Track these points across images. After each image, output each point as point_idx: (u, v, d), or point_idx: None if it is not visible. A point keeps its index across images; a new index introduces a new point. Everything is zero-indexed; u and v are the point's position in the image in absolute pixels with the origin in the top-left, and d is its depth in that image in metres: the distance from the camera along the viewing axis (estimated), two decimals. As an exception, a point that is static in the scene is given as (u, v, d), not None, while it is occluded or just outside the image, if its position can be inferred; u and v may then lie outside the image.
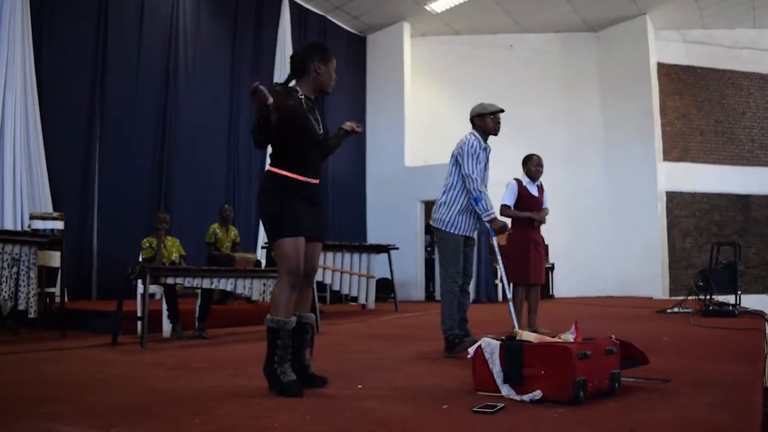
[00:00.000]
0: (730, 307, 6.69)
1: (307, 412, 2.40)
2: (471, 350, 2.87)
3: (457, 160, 4.25)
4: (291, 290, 2.87)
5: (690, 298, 7.43)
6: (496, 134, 4.34)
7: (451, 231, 4.24)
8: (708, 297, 7.08)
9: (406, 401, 2.61)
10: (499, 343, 2.79)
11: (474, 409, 2.38)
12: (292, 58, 3.14)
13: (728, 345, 4.45)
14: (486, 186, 4.38)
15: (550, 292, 11.99)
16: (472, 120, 4.35)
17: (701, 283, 7.18)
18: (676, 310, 7.34)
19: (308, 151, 3.00)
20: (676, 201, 12.28)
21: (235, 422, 2.25)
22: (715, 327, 5.50)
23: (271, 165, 2.99)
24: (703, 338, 4.83)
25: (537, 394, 2.55)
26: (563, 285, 12.19)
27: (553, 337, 2.93)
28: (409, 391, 2.83)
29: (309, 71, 3.06)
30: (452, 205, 4.24)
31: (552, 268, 12.01)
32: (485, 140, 4.32)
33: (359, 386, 2.96)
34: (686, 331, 5.36)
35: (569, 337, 2.85)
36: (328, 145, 3.19)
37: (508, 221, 5.67)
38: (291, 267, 2.86)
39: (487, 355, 2.80)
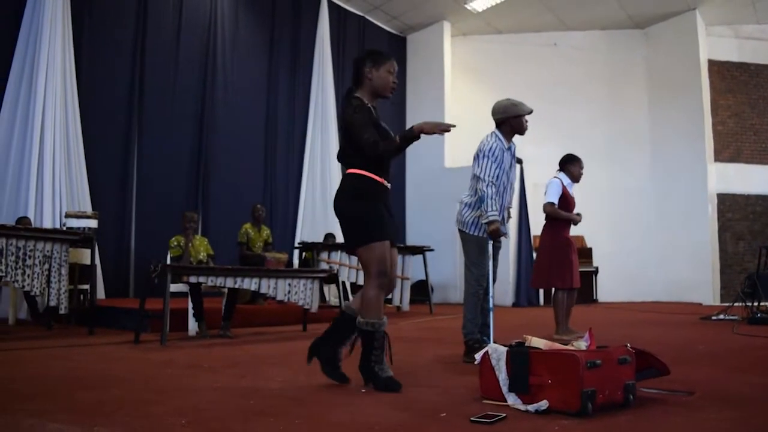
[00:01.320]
0: (779, 315, 6.35)
1: (298, 417, 2.32)
2: (478, 356, 2.75)
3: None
4: (382, 292, 2.97)
5: (737, 304, 7.09)
6: (523, 134, 4.20)
7: (474, 233, 4.11)
8: (756, 303, 6.73)
9: (406, 408, 2.50)
10: (506, 349, 2.65)
11: (472, 418, 2.25)
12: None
13: (769, 355, 4.18)
14: (511, 185, 4.22)
15: (594, 297, 11.65)
16: (504, 120, 4.14)
17: (748, 289, 6.83)
18: (721, 317, 7.00)
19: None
20: (728, 203, 11.77)
21: (220, 425, 2.18)
22: (760, 336, 5.20)
23: (353, 167, 3.00)
24: (743, 347, 4.56)
25: (543, 404, 2.41)
26: (608, 289, 11.81)
27: (566, 344, 2.77)
28: (412, 397, 2.72)
29: (363, 78, 3.09)
30: (475, 206, 4.11)
31: (596, 271, 11.67)
32: (510, 139, 4.18)
33: (362, 390, 2.86)
34: (727, 340, 5.08)
35: (582, 344, 2.70)
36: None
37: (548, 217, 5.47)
38: (382, 269, 2.93)
39: (493, 362, 2.66)
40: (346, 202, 3.00)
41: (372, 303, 2.94)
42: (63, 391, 2.85)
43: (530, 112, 4.13)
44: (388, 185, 3.07)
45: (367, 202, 2.96)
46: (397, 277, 3.21)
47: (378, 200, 2.98)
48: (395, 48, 12.85)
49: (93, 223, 6.45)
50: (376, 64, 3.07)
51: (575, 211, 5.48)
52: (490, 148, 4.07)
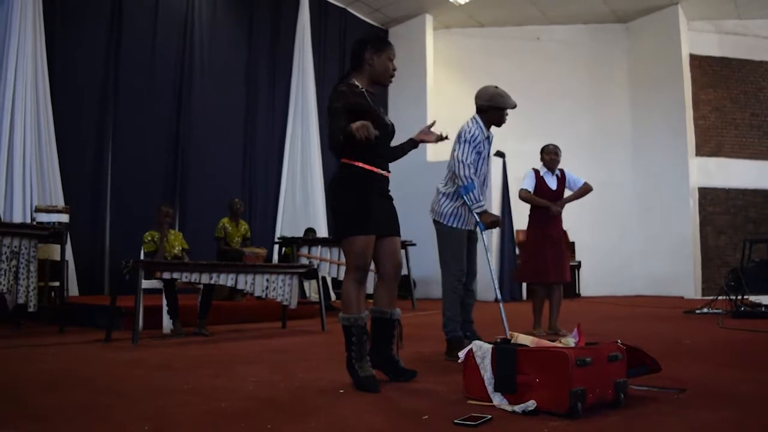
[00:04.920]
0: (763, 308, 6.31)
1: (272, 420, 2.18)
2: (461, 354, 2.62)
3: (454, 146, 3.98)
4: (359, 286, 2.89)
5: (720, 298, 7.05)
6: (500, 127, 4.07)
7: (454, 225, 3.97)
8: (739, 297, 6.70)
9: (385, 409, 2.37)
10: (491, 346, 2.53)
11: (455, 421, 2.13)
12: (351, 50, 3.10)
13: (757, 350, 4.12)
14: (485, 178, 4.08)
15: (577, 291, 11.62)
16: (487, 108, 3.97)
17: (732, 283, 6.80)
18: (705, 310, 6.97)
19: (380, 143, 2.94)
20: (709, 197, 11.80)
21: (187, 430, 2.04)
22: (745, 329, 5.16)
23: (344, 157, 2.92)
24: (730, 342, 4.50)
25: (531, 404, 2.29)
26: (590, 284, 11.80)
27: (554, 341, 2.66)
28: (393, 398, 2.59)
29: (363, 63, 3.00)
30: (454, 196, 3.95)
31: (579, 266, 11.64)
32: (489, 128, 4.04)
33: (341, 390, 2.72)
34: (713, 334, 5.02)
35: (570, 341, 2.59)
36: (394, 148, 3.19)
37: (525, 211, 5.41)
38: (358, 264, 2.87)
39: (478, 360, 2.54)
40: (334, 192, 2.96)
41: (348, 296, 2.89)
42: (25, 394, 2.68)
43: (514, 106, 3.99)
44: (385, 173, 3.00)
45: (355, 193, 2.89)
46: (396, 268, 3.09)
47: (368, 191, 2.90)
48: (377, 41, 12.68)
49: (64, 218, 6.25)
50: (378, 49, 2.99)
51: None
52: (472, 135, 3.92)
